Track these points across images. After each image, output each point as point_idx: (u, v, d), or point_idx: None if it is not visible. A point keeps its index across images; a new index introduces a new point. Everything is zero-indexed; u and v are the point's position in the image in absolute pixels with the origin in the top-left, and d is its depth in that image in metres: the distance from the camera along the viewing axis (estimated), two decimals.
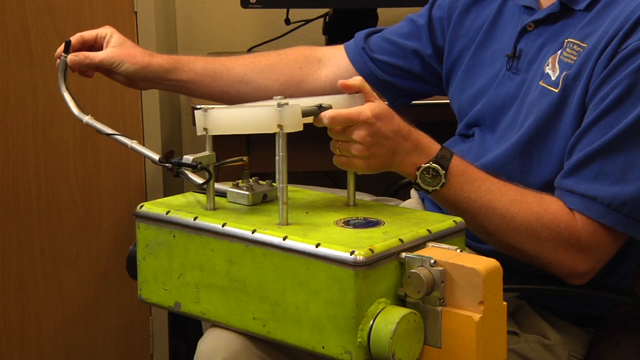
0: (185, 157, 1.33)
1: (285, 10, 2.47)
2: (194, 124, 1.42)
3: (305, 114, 1.27)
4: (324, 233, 1.23)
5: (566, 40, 1.49)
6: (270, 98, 1.42)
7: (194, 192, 1.44)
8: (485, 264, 1.15)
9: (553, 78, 1.49)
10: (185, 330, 2.33)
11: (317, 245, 1.18)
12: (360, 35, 1.83)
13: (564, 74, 1.47)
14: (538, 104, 1.50)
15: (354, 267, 1.15)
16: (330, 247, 1.18)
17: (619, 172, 1.41)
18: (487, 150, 1.59)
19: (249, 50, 2.55)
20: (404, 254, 1.19)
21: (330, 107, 1.30)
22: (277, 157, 1.25)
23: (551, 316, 1.57)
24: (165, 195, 2.18)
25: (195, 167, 1.32)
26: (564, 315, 1.57)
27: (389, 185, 2.01)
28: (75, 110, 1.63)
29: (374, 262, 1.16)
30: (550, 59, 1.51)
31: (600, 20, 1.47)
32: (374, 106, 1.33)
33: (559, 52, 1.49)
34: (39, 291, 2.24)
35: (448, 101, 1.77)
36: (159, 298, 1.37)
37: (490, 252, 1.45)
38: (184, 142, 2.66)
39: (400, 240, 1.21)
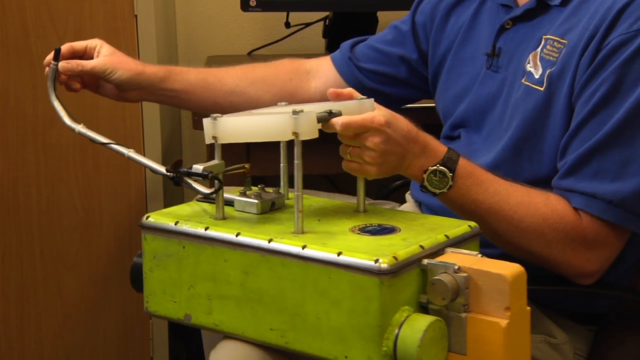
0: (195, 166, 1.30)
1: (285, 13, 2.47)
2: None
3: (318, 120, 1.25)
4: (343, 241, 1.22)
5: (544, 37, 1.49)
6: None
7: (197, 200, 1.41)
8: (510, 269, 1.15)
9: (537, 76, 1.49)
10: (185, 334, 2.31)
11: (339, 254, 1.17)
12: (345, 45, 1.84)
13: (547, 71, 1.47)
14: (523, 103, 1.50)
15: (379, 276, 1.14)
16: (352, 255, 1.16)
17: (617, 168, 1.41)
18: (475, 151, 1.58)
19: (249, 54, 2.54)
20: (425, 261, 1.18)
21: (340, 113, 1.29)
22: (293, 165, 1.24)
23: (555, 315, 1.57)
24: (165, 199, 2.18)
25: (206, 177, 1.29)
26: (566, 314, 1.58)
27: (380, 187, 2.00)
28: (66, 119, 1.59)
29: (398, 269, 1.15)
30: (530, 57, 1.51)
31: (579, 15, 1.47)
32: (385, 112, 1.32)
33: (539, 49, 1.49)
34: (38, 294, 2.21)
35: (434, 104, 1.77)
36: (168, 310, 1.34)
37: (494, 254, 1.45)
38: (183, 146, 2.64)
39: (421, 246, 1.19)
